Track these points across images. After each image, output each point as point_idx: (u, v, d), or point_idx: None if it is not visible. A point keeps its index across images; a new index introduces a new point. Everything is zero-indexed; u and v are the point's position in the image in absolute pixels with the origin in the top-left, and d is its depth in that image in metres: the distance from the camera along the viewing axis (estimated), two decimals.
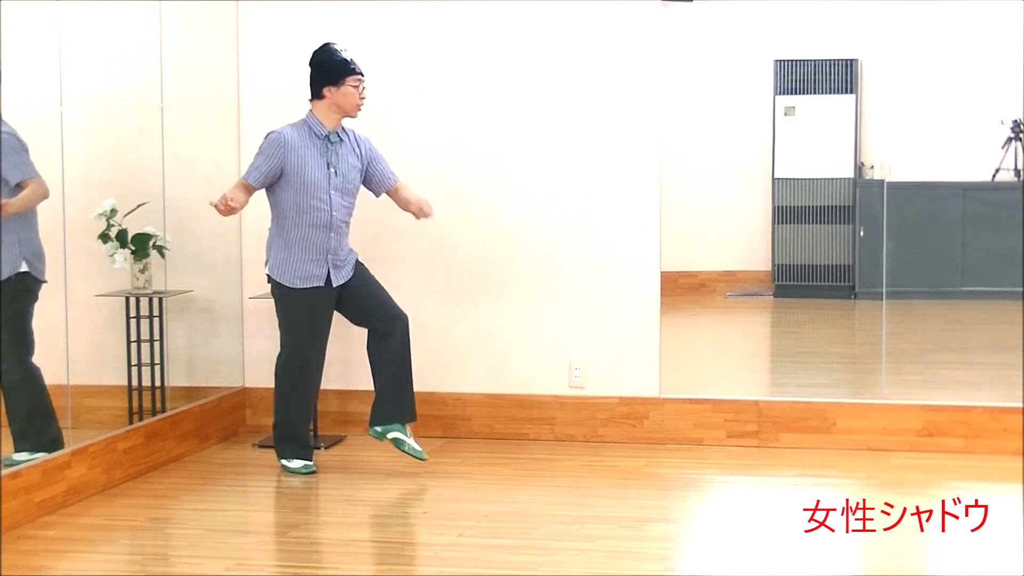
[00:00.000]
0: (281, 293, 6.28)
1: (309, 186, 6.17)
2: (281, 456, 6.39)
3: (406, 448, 6.29)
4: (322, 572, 5.11)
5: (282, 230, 6.25)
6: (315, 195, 6.18)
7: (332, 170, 6.22)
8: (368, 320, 6.39)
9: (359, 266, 6.40)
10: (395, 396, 6.32)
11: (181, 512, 5.88)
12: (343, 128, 6.32)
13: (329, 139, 6.24)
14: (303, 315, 6.30)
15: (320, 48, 6.32)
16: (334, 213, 6.22)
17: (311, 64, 6.30)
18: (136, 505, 5.86)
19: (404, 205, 6.49)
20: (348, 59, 6.26)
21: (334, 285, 6.27)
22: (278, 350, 6.48)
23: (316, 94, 6.26)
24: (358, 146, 6.35)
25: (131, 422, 6.49)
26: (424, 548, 5.21)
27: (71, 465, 5.81)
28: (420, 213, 6.43)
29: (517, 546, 5.20)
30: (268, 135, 6.24)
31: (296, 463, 6.34)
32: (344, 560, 5.13)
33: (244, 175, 6.22)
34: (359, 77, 6.26)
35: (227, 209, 6.06)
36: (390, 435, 6.31)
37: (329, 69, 6.24)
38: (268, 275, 6.31)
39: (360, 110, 6.31)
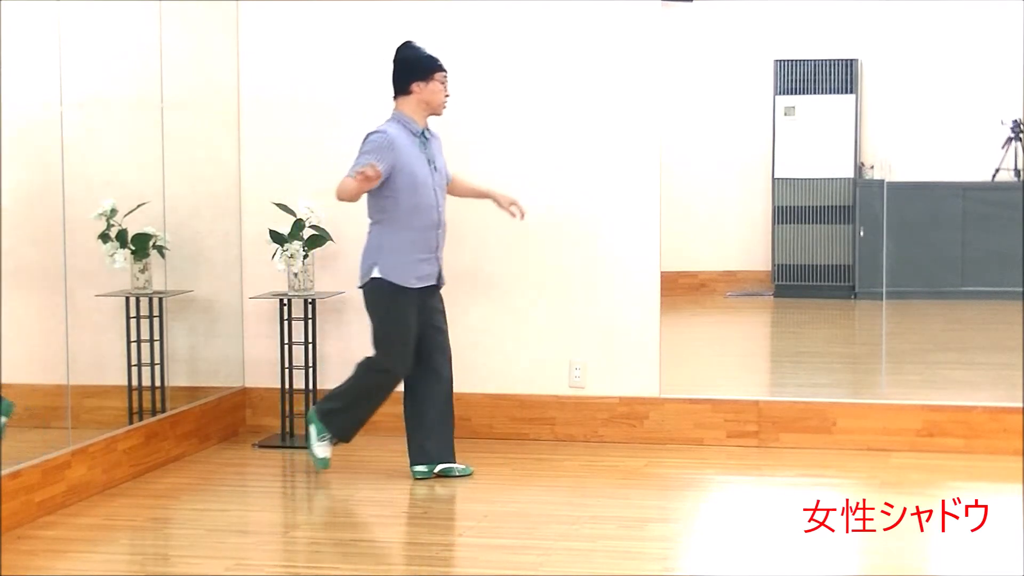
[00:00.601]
0: (392, 293, 6.07)
1: (419, 185, 6.07)
2: (324, 430, 6.23)
3: (456, 472, 6.22)
4: (322, 572, 5.11)
5: (392, 231, 6.08)
6: (424, 194, 6.08)
7: (432, 166, 6.15)
8: (424, 347, 6.22)
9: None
10: (442, 434, 6.23)
11: (181, 512, 5.88)
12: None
13: (424, 135, 6.18)
14: (411, 317, 6.12)
15: (404, 44, 6.20)
16: (439, 210, 6.15)
17: (396, 61, 6.17)
18: (136, 505, 5.86)
19: (474, 195, 6.50)
20: (434, 55, 6.16)
21: (439, 285, 6.23)
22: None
23: (403, 90, 6.13)
24: (438, 140, 6.30)
25: (131, 422, 6.50)
26: (424, 548, 5.21)
27: (71, 465, 5.81)
28: (520, 212, 6.41)
29: (517, 546, 5.20)
30: (371, 135, 6.07)
31: (326, 451, 6.26)
32: (344, 560, 5.13)
33: (353, 175, 5.96)
34: (446, 74, 6.17)
35: (375, 175, 5.90)
36: (439, 468, 6.20)
37: (417, 64, 6.13)
38: (376, 278, 6.05)
39: (445, 108, 6.23)
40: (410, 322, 6.12)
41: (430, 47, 6.23)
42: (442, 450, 6.22)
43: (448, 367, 6.27)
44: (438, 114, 6.21)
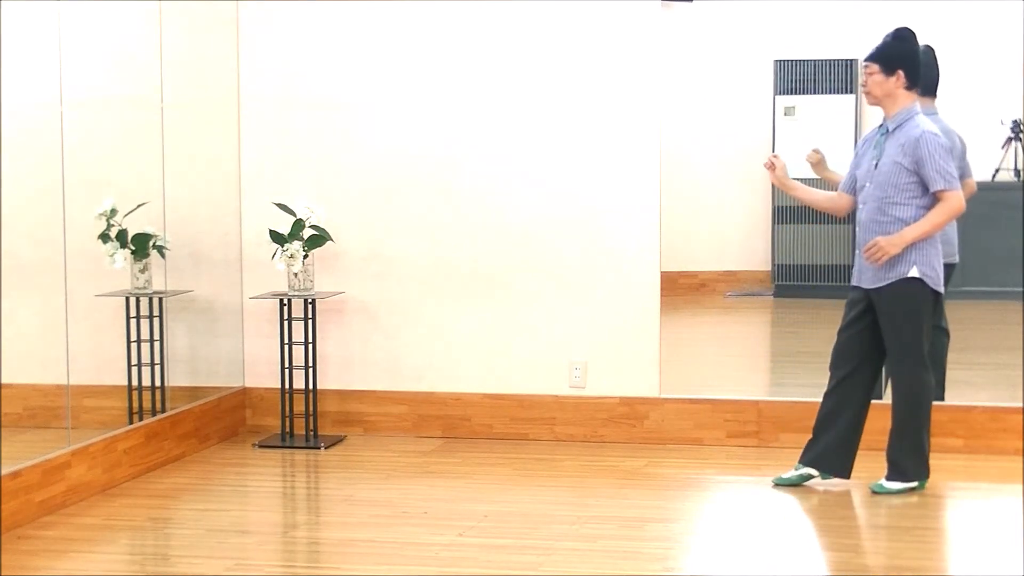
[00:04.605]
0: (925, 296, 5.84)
1: (858, 179, 6.04)
2: (915, 478, 5.84)
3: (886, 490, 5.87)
4: (322, 572, 5.11)
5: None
6: (861, 190, 6.04)
7: (874, 162, 5.95)
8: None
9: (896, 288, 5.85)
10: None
11: (181, 512, 5.88)
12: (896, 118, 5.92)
13: (887, 129, 5.94)
14: (847, 313, 6.02)
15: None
16: (862, 206, 5.96)
17: None
18: (136, 505, 5.86)
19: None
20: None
21: (865, 287, 5.93)
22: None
23: None
24: (903, 134, 5.87)
25: (131, 422, 6.50)
26: (424, 548, 5.21)
27: (71, 465, 5.81)
28: None
29: (517, 546, 5.20)
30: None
31: (913, 483, 5.85)
32: (344, 560, 5.13)
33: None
34: (865, 64, 5.94)
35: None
36: (872, 485, 5.89)
37: None
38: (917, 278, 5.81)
39: (867, 97, 5.99)
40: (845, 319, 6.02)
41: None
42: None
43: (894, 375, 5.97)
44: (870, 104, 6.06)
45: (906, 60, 5.87)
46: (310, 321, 6.89)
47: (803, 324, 11.07)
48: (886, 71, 5.86)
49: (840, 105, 11.69)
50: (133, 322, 6.64)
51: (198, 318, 7.12)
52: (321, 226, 6.84)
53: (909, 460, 5.83)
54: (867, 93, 5.94)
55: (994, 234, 10.63)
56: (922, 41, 6.05)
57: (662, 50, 6.88)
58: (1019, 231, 10.24)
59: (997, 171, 11.29)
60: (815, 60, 11.81)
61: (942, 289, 5.91)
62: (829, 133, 11.57)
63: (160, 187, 6.75)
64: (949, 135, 6.39)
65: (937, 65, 6.72)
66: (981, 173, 10.99)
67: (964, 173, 6.58)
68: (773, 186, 11.60)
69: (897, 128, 5.85)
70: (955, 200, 5.75)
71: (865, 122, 11.48)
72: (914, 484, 5.83)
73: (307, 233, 6.82)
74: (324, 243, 6.85)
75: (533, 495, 6.01)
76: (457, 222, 7.01)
